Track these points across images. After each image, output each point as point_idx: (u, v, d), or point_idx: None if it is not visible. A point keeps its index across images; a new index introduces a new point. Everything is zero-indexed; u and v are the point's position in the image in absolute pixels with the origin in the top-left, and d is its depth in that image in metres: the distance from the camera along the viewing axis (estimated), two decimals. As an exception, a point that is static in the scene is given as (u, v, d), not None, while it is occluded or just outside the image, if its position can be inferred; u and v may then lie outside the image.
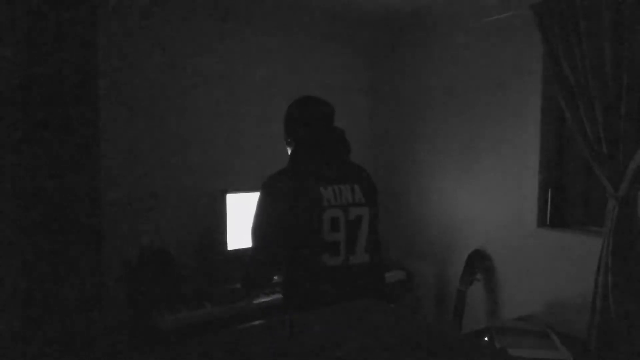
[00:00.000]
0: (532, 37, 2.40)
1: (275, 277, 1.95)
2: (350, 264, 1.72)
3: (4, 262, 1.95)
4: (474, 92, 2.82)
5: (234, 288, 2.47)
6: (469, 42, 2.83)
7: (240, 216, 2.62)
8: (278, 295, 2.41)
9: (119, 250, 2.48)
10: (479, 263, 2.75)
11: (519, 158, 2.59)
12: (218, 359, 1.00)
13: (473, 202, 2.85)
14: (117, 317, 2.47)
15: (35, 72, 1.98)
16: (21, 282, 1.98)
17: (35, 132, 1.99)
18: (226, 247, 2.63)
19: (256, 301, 2.43)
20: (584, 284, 2.25)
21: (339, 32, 3.29)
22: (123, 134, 2.52)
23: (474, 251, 2.78)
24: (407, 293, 3.16)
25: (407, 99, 3.27)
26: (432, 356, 0.97)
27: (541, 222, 2.54)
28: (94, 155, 2.14)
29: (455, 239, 2.96)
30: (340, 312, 1.28)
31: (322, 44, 3.23)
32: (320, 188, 1.70)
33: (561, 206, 2.56)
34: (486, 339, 2.26)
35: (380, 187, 3.45)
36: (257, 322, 1.33)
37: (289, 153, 1.86)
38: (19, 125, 1.97)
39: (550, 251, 2.46)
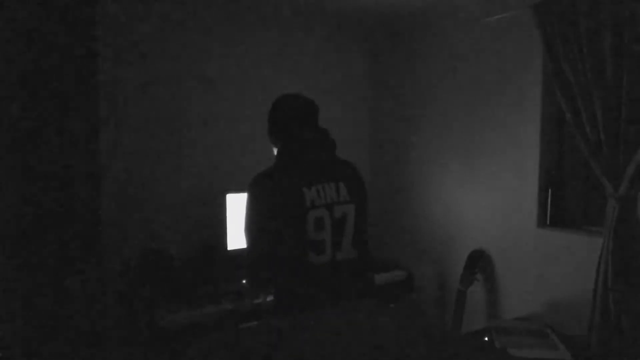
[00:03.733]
0: (532, 37, 2.40)
1: None
2: (337, 260, 1.72)
3: (4, 262, 1.95)
4: (473, 92, 2.82)
5: (242, 285, 2.48)
6: (469, 42, 2.83)
7: (240, 216, 2.62)
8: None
9: (119, 250, 2.48)
10: (479, 263, 2.75)
11: (519, 158, 2.59)
12: (218, 358, 1.01)
13: (473, 202, 2.85)
14: (117, 317, 2.47)
15: (35, 72, 1.98)
16: (22, 282, 1.98)
17: (35, 132, 1.99)
18: (226, 247, 2.63)
19: (256, 301, 2.43)
20: (584, 284, 2.25)
21: (339, 32, 3.29)
22: (123, 134, 2.52)
23: (474, 251, 2.78)
24: (407, 293, 3.16)
25: (406, 99, 3.27)
26: (432, 356, 0.97)
27: (541, 222, 2.54)
28: (94, 155, 2.14)
29: (455, 239, 2.96)
30: (340, 312, 1.28)
31: (322, 43, 3.23)
32: (304, 189, 1.69)
33: (561, 206, 2.56)
34: (486, 339, 2.26)
35: (380, 187, 3.45)
36: (256, 323, 1.34)
37: (275, 154, 1.87)
38: (19, 126, 1.97)
39: (550, 251, 2.46)
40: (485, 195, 2.78)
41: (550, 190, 2.55)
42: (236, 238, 2.63)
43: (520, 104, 2.57)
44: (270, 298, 2.44)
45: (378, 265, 3.11)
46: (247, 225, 1.75)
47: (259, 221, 1.73)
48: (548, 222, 2.55)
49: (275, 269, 1.76)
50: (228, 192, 2.63)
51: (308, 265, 1.68)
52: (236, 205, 2.63)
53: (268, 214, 1.70)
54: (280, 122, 1.84)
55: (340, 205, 1.75)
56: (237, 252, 2.63)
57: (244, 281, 2.55)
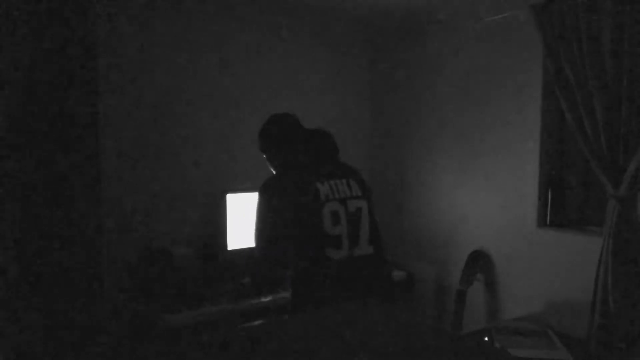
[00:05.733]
0: (532, 37, 2.40)
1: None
2: (354, 256, 1.73)
3: (4, 262, 1.96)
4: (473, 92, 2.82)
5: (243, 283, 2.48)
6: (469, 42, 2.83)
7: (241, 216, 2.62)
8: (279, 295, 2.41)
9: (119, 250, 2.48)
10: (479, 263, 2.75)
11: (519, 158, 2.59)
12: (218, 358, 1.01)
13: (473, 202, 2.85)
14: (117, 317, 2.47)
15: (36, 71, 1.98)
16: (22, 283, 1.98)
17: (35, 132, 2.00)
18: (226, 247, 2.63)
19: (255, 301, 2.43)
20: (584, 284, 2.25)
21: (339, 33, 3.29)
22: (123, 134, 2.52)
23: (474, 251, 2.78)
24: (407, 293, 3.16)
25: (407, 100, 3.27)
26: (431, 356, 0.97)
27: (541, 222, 2.54)
28: (94, 155, 2.14)
29: (455, 239, 2.96)
30: (340, 312, 1.28)
31: (323, 44, 3.23)
32: (317, 183, 1.72)
33: (561, 206, 2.56)
34: (486, 339, 2.26)
35: (381, 187, 3.45)
36: (257, 322, 1.34)
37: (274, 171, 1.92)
38: (19, 125, 1.97)
39: (550, 251, 2.46)
40: (485, 195, 2.78)
41: (550, 190, 2.55)
42: (236, 238, 2.63)
43: (520, 104, 2.57)
44: (268, 298, 2.45)
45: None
46: (262, 227, 1.74)
47: (274, 222, 1.72)
48: (548, 222, 2.55)
49: (293, 266, 1.77)
50: (228, 192, 2.63)
51: (327, 260, 1.69)
52: (236, 205, 2.63)
53: (284, 212, 1.70)
54: (278, 143, 1.90)
55: (353, 200, 1.77)
56: (237, 252, 2.63)
57: (244, 281, 2.54)
